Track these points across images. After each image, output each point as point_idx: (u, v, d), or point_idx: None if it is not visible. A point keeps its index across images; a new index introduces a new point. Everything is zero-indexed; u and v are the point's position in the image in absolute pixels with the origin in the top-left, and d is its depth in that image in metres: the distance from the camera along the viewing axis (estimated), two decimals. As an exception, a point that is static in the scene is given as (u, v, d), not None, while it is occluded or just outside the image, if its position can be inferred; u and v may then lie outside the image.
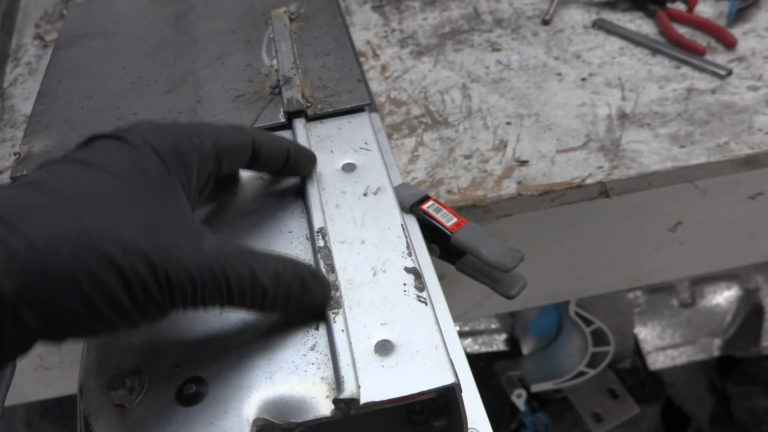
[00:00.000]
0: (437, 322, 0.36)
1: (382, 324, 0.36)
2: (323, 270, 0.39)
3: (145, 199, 0.31)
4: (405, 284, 0.38)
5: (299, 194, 0.45)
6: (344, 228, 0.42)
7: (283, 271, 0.34)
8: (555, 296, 0.77)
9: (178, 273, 0.29)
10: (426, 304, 0.37)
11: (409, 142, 0.67)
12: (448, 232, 0.52)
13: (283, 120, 0.50)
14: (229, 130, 0.38)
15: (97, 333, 0.29)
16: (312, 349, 0.36)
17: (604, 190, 0.62)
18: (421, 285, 0.38)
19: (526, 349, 1.07)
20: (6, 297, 0.25)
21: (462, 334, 1.07)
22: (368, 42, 0.82)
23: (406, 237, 0.41)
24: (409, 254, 0.40)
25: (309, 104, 0.51)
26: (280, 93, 0.52)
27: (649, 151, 0.64)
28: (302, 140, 0.48)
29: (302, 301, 0.35)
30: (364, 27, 0.85)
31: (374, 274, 0.39)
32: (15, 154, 0.50)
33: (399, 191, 0.54)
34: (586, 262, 0.72)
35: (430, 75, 0.76)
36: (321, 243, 0.40)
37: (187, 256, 0.30)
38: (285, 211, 0.44)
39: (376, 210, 0.43)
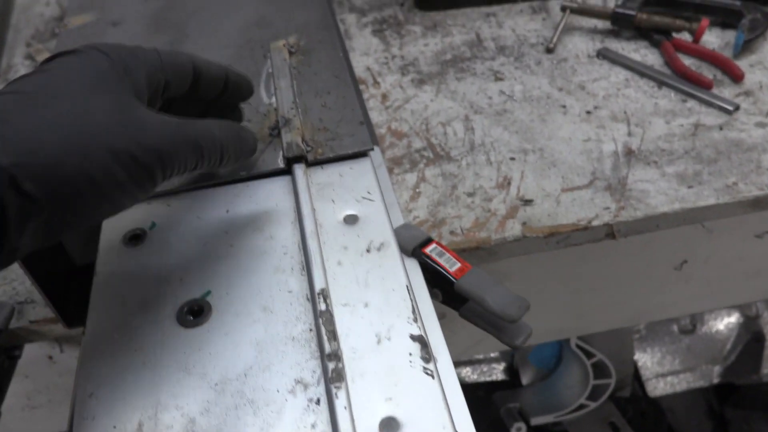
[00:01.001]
0: (444, 398, 0.34)
1: (386, 399, 0.34)
2: (325, 337, 0.37)
3: (107, 87, 0.35)
4: (411, 354, 0.36)
5: (299, 247, 0.43)
6: (346, 288, 0.40)
7: (225, 126, 0.41)
8: (557, 334, 0.75)
9: (156, 142, 0.34)
10: (433, 377, 0.35)
11: (411, 178, 0.65)
12: (452, 279, 0.51)
13: (282, 166, 0.48)
14: (169, 50, 0.42)
15: (97, 208, 0.33)
16: (313, 427, 0.34)
17: (610, 232, 0.60)
18: (427, 355, 0.36)
19: (525, 379, 1.05)
20: (3, 170, 0.29)
21: (460, 363, 1.05)
22: (368, 68, 0.80)
23: (411, 300, 0.39)
24: (415, 319, 0.38)
25: (309, 148, 0.49)
26: (279, 135, 0.50)
27: (657, 191, 0.62)
28: (302, 188, 0.46)
29: (245, 145, 0.43)
30: (364, 52, 0.83)
31: (378, 341, 0.37)
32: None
33: (401, 233, 0.52)
34: (589, 300, 0.70)
35: (432, 105, 0.74)
36: (323, 306, 0.38)
37: (156, 127, 0.35)
38: (284, 266, 0.42)
39: (379, 269, 0.41)
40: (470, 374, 1.06)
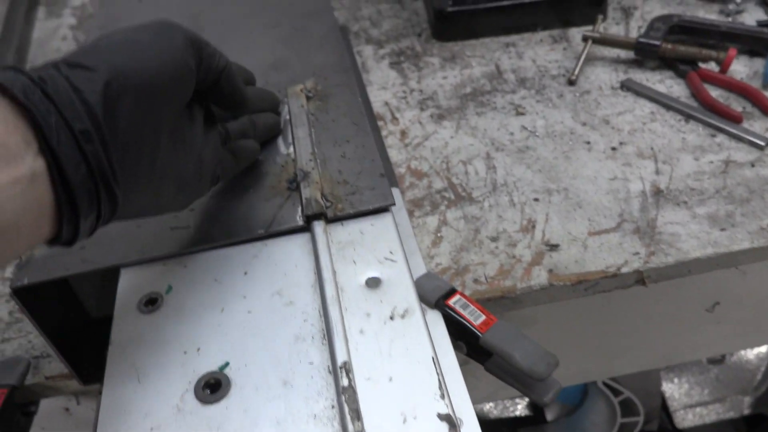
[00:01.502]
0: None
1: (413, 486, 0.33)
2: (348, 417, 0.35)
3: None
4: (438, 436, 0.35)
5: (320, 313, 0.41)
6: (370, 361, 0.38)
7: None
8: (584, 376, 0.73)
9: (215, 50, 0.43)
10: (463, 463, 0.34)
11: (432, 221, 0.63)
12: (477, 333, 0.49)
13: (301, 223, 0.46)
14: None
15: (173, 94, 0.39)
16: None
17: (640, 279, 0.58)
18: (456, 437, 0.35)
19: (550, 415, 1.03)
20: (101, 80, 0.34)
21: (483, 399, 1.03)
22: (386, 103, 0.79)
23: (437, 374, 0.37)
24: (442, 396, 0.36)
25: (329, 204, 0.47)
26: (297, 188, 0.49)
27: (688, 235, 0.60)
28: (322, 247, 0.45)
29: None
30: (382, 86, 0.82)
31: (404, 420, 0.35)
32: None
33: (423, 283, 0.50)
34: (617, 343, 0.68)
35: (452, 142, 0.72)
36: (345, 382, 0.37)
37: (218, 52, 0.44)
38: (305, 334, 0.41)
39: (404, 338, 0.39)
40: (493, 410, 1.04)
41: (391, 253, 0.45)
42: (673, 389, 1.10)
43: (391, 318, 0.41)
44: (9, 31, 1.00)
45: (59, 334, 0.50)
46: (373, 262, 0.44)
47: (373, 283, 0.43)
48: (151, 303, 0.43)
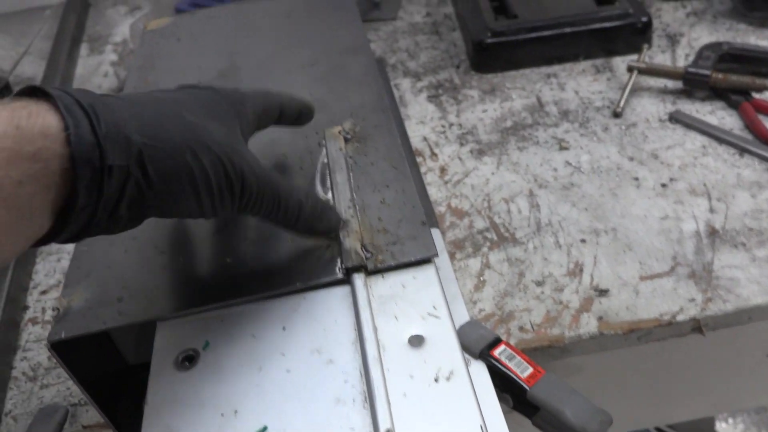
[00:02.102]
0: None
1: None
2: None
3: (223, 121, 0.40)
4: None
5: (361, 374, 0.40)
6: (414, 427, 0.36)
7: (307, 195, 0.43)
8: (634, 424, 0.70)
9: (249, 173, 0.38)
10: None
11: (474, 264, 0.61)
12: (525, 386, 0.47)
13: (341, 276, 0.45)
14: (263, 92, 0.47)
15: (189, 206, 0.36)
16: None
17: (697, 327, 0.55)
18: None
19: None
20: (135, 145, 0.33)
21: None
22: (425, 138, 0.77)
23: (486, 443, 0.35)
24: (492, 468, 0.34)
25: (369, 255, 0.46)
26: (336, 237, 0.48)
27: (747, 280, 0.56)
28: (363, 302, 0.43)
29: (321, 221, 0.45)
30: (420, 120, 0.80)
31: (451, 494, 0.33)
32: (54, 309, 0.47)
33: (466, 332, 0.48)
34: (669, 391, 0.65)
35: (493, 179, 0.70)
36: (389, 453, 0.35)
37: (253, 164, 0.39)
38: (345, 397, 0.39)
39: (449, 403, 0.37)
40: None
41: (434, 308, 0.43)
42: (726, 429, 1.05)
43: (436, 380, 0.39)
44: (52, 68, 1.02)
45: (96, 383, 0.49)
46: (416, 317, 0.42)
47: (416, 341, 0.41)
48: (188, 360, 0.42)
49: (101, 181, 0.32)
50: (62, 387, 0.58)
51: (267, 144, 0.57)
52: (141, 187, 0.34)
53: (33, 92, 0.33)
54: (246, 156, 0.39)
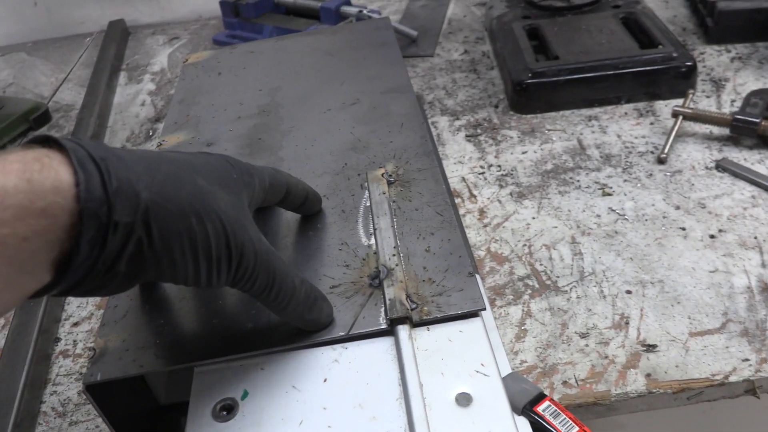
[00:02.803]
0: None
1: None
2: None
3: (232, 190, 0.40)
4: None
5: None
6: (463, 495, 0.35)
7: (302, 282, 0.42)
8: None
9: (249, 248, 0.37)
10: None
11: (515, 312, 0.60)
12: (570, 447, 0.44)
13: (385, 326, 0.43)
14: (272, 170, 0.47)
15: (187, 272, 0.35)
16: None
17: (751, 389, 0.52)
18: None
19: None
20: (143, 202, 0.32)
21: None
22: (463, 179, 0.76)
23: None
24: None
25: (414, 305, 0.44)
26: (380, 285, 0.46)
27: (804, 340, 0.54)
28: (408, 356, 0.41)
29: (312, 312, 0.42)
30: (458, 160, 0.79)
31: None
32: (90, 349, 0.46)
33: (508, 385, 0.46)
34: (719, 452, 0.62)
35: (534, 223, 0.69)
36: None
37: (254, 240, 0.38)
38: (389, 458, 0.37)
39: (500, 470, 0.36)
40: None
41: (482, 365, 0.41)
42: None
43: (486, 444, 0.37)
44: (91, 96, 1.03)
45: (127, 423, 0.48)
46: (463, 374, 0.41)
47: (464, 400, 0.39)
48: (226, 410, 0.41)
49: (105, 236, 0.31)
50: (91, 425, 0.57)
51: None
52: (142, 245, 0.33)
53: (46, 141, 0.32)
54: (249, 229, 0.38)
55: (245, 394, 0.42)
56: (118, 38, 1.22)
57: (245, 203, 0.41)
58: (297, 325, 0.43)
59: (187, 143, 0.66)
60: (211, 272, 0.36)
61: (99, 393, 0.45)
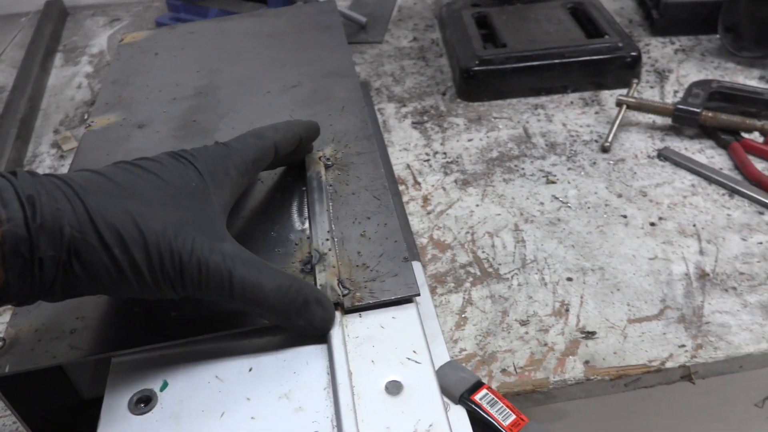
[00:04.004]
0: None
1: None
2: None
3: (181, 203, 0.38)
4: None
5: (332, 423, 0.36)
6: (389, 487, 0.33)
7: (288, 287, 0.39)
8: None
9: (191, 260, 0.36)
10: None
11: (456, 300, 0.59)
12: (506, 435, 0.44)
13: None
14: (255, 145, 0.45)
15: (124, 292, 0.36)
16: None
17: (687, 375, 0.53)
18: None
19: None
20: (66, 236, 0.33)
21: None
22: (408, 166, 0.75)
23: None
24: None
25: (346, 291, 0.43)
26: (312, 271, 0.45)
27: (739, 327, 0.54)
28: (337, 344, 0.40)
29: (300, 317, 0.39)
30: (404, 147, 0.78)
31: None
32: (1, 339, 0.43)
33: (446, 374, 0.45)
34: (657, 439, 0.62)
35: (478, 211, 0.68)
36: None
37: (201, 249, 0.37)
38: (314, 448, 0.35)
39: (428, 460, 0.34)
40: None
41: (414, 352, 0.40)
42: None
43: (415, 433, 0.35)
44: (24, 77, 0.98)
45: (44, 419, 0.46)
46: (395, 362, 0.39)
47: (394, 388, 0.38)
48: (143, 402, 0.39)
49: (32, 270, 0.33)
50: (8, 420, 0.53)
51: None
52: (72, 274, 0.34)
53: None
54: (198, 241, 0.37)
55: (164, 385, 0.39)
56: (55, 18, 1.16)
57: (212, 204, 0.40)
58: (291, 331, 0.41)
59: (117, 125, 0.63)
60: (148, 292, 0.37)
61: (9, 386, 0.42)
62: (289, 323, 0.39)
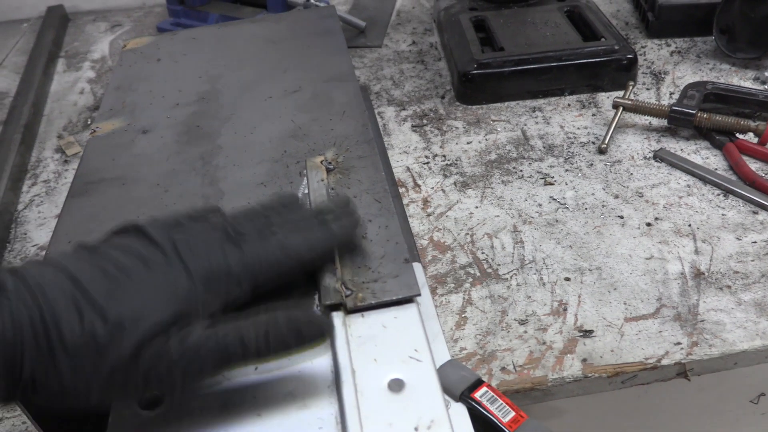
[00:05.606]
0: None
1: None
2: None
3: (157, 306, 0.36)
4: None
5: (336, 420, 0.38)
6: (392, 482, 0.34)
7: (275, 328, 0.37)
8: (617, 469, 0.68)
9: (156, 371, 0.35)
10: None
11: (456, 300, 0.60)
12: (506, 431, 0.45)
13: (318, 313, 0.43)
14: (274, 260, 0.41)
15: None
16: None
17: (683, 372, 0.54)
18: None
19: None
20: (25, 373, 0.33)
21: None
22: (408, 169, 0.76)
23: (469, 502, 0.33)
24: None
25: (349, 292, 0.44)
26: (313, 272, 0.45)
27: (733, 324, 0.55)
28: (341, 343, 0.41)
29: (301, 345, 0.38)
30: (404, 150, 0.79)
31: None
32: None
33: (447, 372, 0.46)
34: (654, 435, 0.63)
35: (477, 213, 0.69)
36: None
37: (174, 353, 0.35)
38: (320, 445, 0.37)
39: (430, 455, 0.35)
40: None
41: (416, 351, 0.41)
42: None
43: (416, 429, 0.37)
44: (27, 83, 0.99)
45: (56, 419, 0.47)
46: (396, 361, 0.40)
47: (396, 386, 0.39)
48: (153, 400, 0.40)
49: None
50: (17, 421, 0.54)
51: (246, 176, 0.56)
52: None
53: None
54: (170, 347, 0.35)
55: (173, 383, 0.40)
56: (56, 24, 1.17)
57: (196, 310, 0.37)
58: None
59: (122, 130, 0.64)
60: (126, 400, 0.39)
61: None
62: (288, 352, 0.38)
